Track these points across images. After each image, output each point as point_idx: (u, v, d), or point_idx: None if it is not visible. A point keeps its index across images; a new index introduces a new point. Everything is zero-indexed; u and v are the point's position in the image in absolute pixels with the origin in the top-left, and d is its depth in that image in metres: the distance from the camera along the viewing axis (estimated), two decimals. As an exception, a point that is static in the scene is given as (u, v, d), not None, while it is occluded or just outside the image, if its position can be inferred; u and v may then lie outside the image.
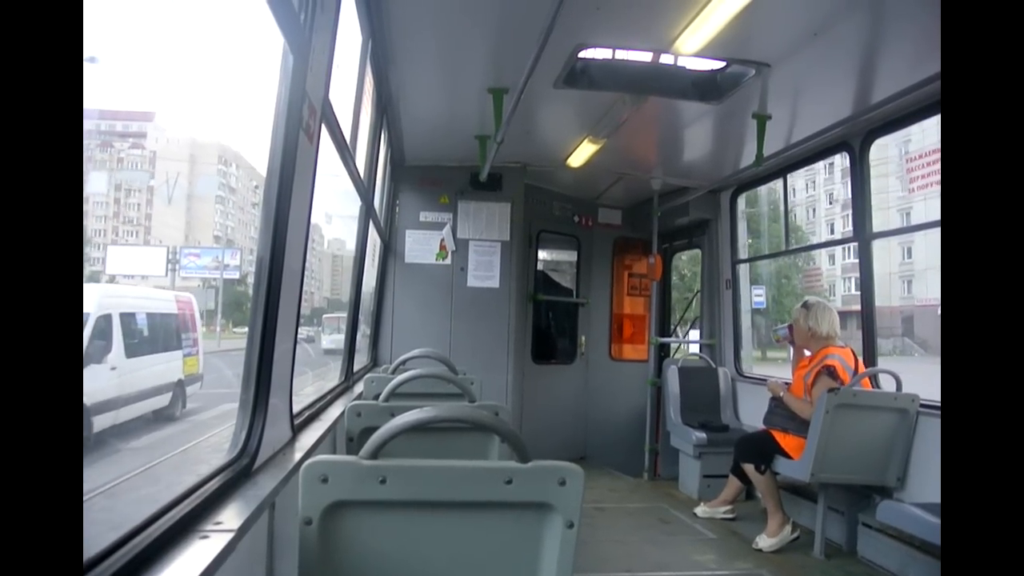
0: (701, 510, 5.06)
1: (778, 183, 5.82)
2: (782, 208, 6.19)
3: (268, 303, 1.82)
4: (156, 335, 6.01)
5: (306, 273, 2.20)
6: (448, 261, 5.85)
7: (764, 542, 4.33)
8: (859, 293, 4.75)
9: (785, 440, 4.32)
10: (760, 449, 4.46)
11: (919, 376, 4.15)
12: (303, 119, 1.89)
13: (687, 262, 8.68)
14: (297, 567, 1.40)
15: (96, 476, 3.66)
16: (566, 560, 1.45)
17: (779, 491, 4.44)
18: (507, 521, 1.47)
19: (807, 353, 4.56)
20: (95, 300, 4.96)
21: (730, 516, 4.93)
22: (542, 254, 6.97)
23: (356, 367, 4.46)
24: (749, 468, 4.49)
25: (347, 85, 3.28)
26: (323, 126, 2.25)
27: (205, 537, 1.22)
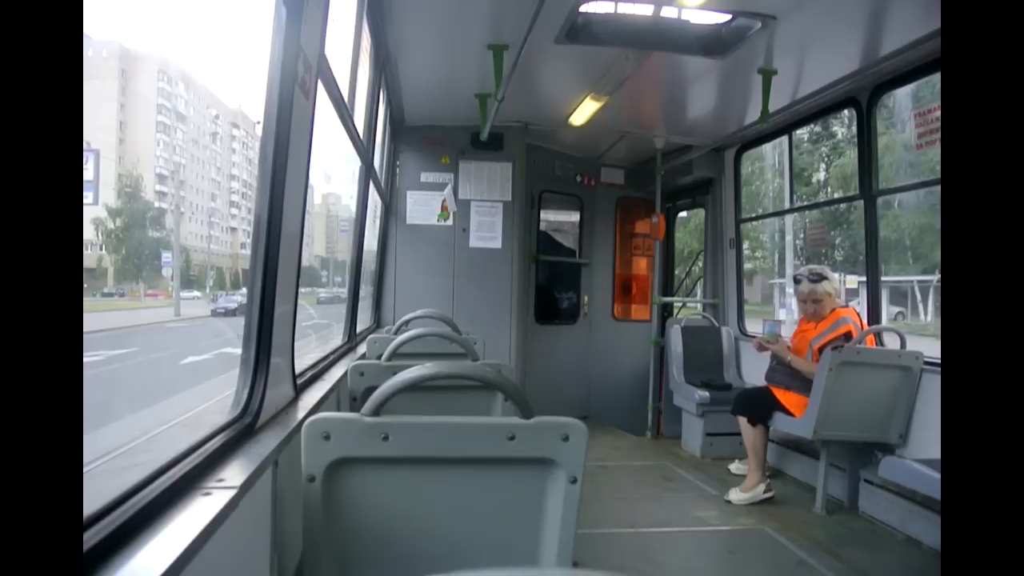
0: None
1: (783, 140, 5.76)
2: (787, 165, 6.12)
3: (267, 264, 1.80)
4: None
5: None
6: (450, 222, 5.82)
7: (735, 496, 4.41)
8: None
9: (786, 397, 4.33)
10: (757, 404, 4.48)
11: None
12: (298, 74, 1.85)
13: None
14: (300, 524, 1.41)
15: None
16: (569, 515, 1.46)
17: (765, 450, 4.48)
18: (510, 477, 1.47)
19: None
20: None
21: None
22: (544, 214, 6.92)
23: (359, 328, 4.46)
24: (742, 420, 4.52)
25: (343, 42, 3.21)
26: (319, 82, 2.20)
27: (207, 494, 1.22)
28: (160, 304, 5.54)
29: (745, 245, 6.35)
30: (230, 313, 7.05)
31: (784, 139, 5.73)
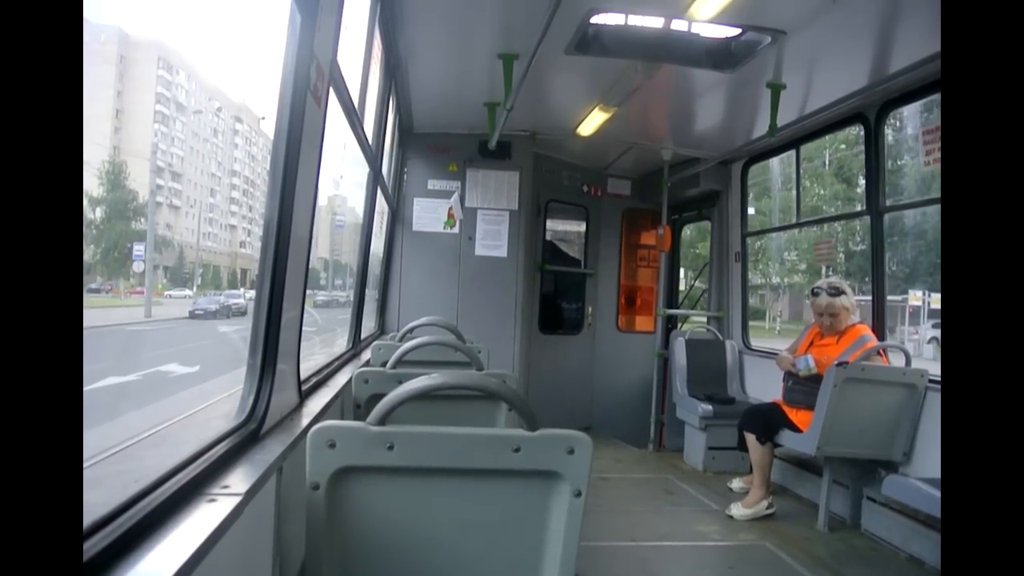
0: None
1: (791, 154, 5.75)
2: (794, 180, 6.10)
3: (275, 269, 1.80)
4: None
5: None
6: (456, 230, 5.82)
7: (738, 511, 4.39)
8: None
9: (799, 416, 4.28)
10: (766, 421, 4.45)
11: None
12: (311, 81, 1.85)
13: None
14: (304, 531, 1.40)
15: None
16: (573, 528, 1.45)
17: (771, 467, 4.46)
18: (514, 489, 1.47)
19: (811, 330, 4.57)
20: None
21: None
22: (550, 224, 6.93)
23: (363, 334, 4.45)
24: (751, 438, 4.48)
25: (355, 49, 3.23)
26: (331, 89, 2.21)
27: (212, 500, 1.22)
28: (141, 303, 4.93)
29: (794, 254, 6.30)
30: (210, 315, 6.50)
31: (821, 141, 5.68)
